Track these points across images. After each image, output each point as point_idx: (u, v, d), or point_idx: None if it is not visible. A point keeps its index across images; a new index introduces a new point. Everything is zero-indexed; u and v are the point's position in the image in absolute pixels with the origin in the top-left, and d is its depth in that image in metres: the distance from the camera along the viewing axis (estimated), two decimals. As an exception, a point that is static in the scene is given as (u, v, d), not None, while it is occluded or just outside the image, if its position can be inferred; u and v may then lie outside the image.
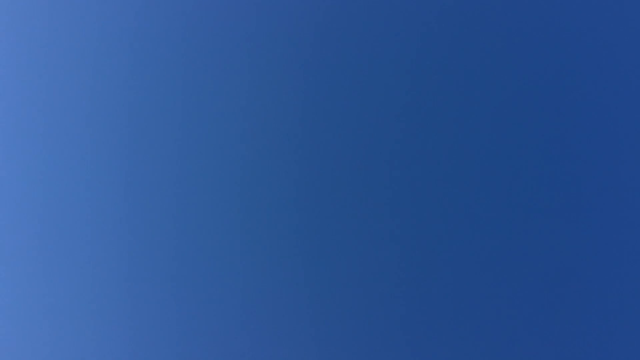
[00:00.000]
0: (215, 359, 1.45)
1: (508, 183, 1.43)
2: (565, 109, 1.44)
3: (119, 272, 1.47)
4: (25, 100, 1.51)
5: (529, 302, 1.41)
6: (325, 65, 1.47)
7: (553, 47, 1.45)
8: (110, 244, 1.47)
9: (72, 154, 1.49)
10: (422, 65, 1.46)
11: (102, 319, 1.47)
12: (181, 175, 1.47)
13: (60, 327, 1.47)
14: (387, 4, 1.47)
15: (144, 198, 1.48)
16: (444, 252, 1.43)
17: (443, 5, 1.46)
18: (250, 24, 1.49)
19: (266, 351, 1.44)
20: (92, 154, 1.49)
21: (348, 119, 1.46)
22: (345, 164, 1.46)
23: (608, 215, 1.41)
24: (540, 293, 1.41)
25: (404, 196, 1.44)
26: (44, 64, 1.51)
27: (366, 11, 1.47)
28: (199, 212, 1.47)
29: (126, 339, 1.46)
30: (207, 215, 1.47)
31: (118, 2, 1.50)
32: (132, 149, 1.48)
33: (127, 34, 1.50)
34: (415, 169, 1.45)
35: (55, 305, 1.47)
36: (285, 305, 1.45)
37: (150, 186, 1.48)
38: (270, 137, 1.47)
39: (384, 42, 1.47)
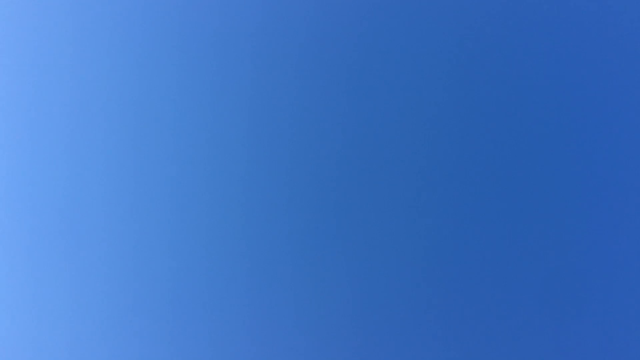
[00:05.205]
0: (215, 359, 1.45)
1: (509, 184, 1.43)
2: (566, 110, 1.44)
3: (119, 273, 1.47)
4: (24, 100, 1.51)
5: (530, 303, 1.41)
6: (325, 65, 1.47)
7: (553, 47, 1.45)
8: (110, 244, 1.47)
9: (73, 154, 1.49)
10: (424, 65, 1.46)
11: (101, 320, 1.47)
12: (181, 175, 1.47)
13: (60, 328, 1.47)
14: (388, 3, 1.47)
15: (144, 198, 1.48)
16: (445, 253, 1.43)
17: (443, 5, 1.46)
18: (250, 24, 1.49)
19: (266, 352, 1.44)
20: (92, 155, 1.49)
21: (349, 120, 1.46)
22: (346, 165, 1.46)
23: (608, 215, 1.42)
24: (541, 293, 1.41)
25: (405, 197, 1.44)
26: (44, 63, 1.51)
27: (366, 11, 1.47)
28: (199, 213, 1.47)
29: (125, 340, 1.46)
30: (207, 216, 1.47)
31: (118, 2, 1.50)
32: (131, 150, 1.48)
33: (127, 34, 1.50)
34: (416, 170, 1.45)
35: (54, 306, 1.47)
36: (286, 306, 1.45)
37: (150, 187, 1.48)
38: (271, 137, 1.47)
39: (385, 42, 1.47)
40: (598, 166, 1.42)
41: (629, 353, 1.39)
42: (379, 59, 1.47)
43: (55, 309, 1.47)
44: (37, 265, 1.48)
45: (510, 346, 1.41)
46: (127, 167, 1.48)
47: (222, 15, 1.49)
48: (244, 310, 1.45)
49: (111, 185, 1.48)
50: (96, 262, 1.47)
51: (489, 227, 1.43)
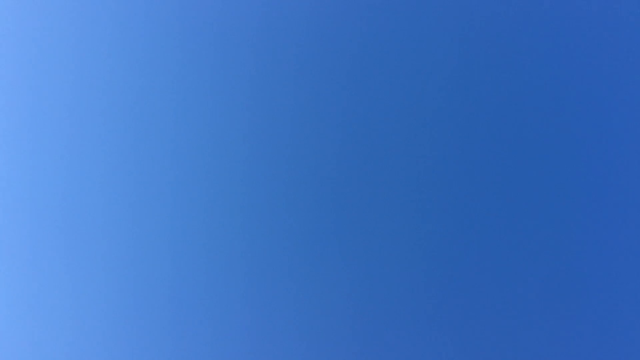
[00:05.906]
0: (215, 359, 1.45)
1: (509, 184, 1.43)
2: (565, 110, 1.44)
3: (118, 273, 1.47)
4: (24, 100, 1.51)
5: (530, 304, 1.42)
6: (325, 65, 1.47)
7: (553, 48, 1.45)
8: (109, 244, 1.47)
9: (73, 153, 1.49)
10: (424, 65, 1.46)
11: (101, 320, 1.47)
12: (181, 175, 1.47)
13: (60, 328, 1.47)
14: (388, 3, 1.47)
15: (143, 198, 1.48)
16: (445, 253, 1.43)
17: (443, 6, 1.46)
18: (250, 24, 1.49)
19: (266, 351, 1.44)
20: (91, 154, 1.49)
21: (349, 120, 1.47)
22: (346, 165, 1.46)
23: (608, 215, 1.42)
24: (541, 294, 1.41)
25: (405, 197, 1.44)
26: (44, 63, 1.51)
27: (366, 11, 1.47)
28: (198, 213, 1.47)
29: (125, 340, 1.46)
30: (207, 216, 1.47)
31: (118, 2, 1.50)
32: (130, 149, 1.49)
33: (127, 34, 1.50)
34: (416, 170, 1.45)
35: (54, 306, 1.47)
36: (285, 306, 1.45)
37: (150, 186, 1.48)
38: (271, 137, 1.47)
39: (385, 42, 1.47)
40: (598, 167, 1.42)
41: (629, 353, 1.39)
42: (380, 59, 1.47)
43: (55, 309, 1.47)
44: (37, 265, 1.48)
45: (510, 346, 1.41)
46: (127, 167, 1.48)
47: (222, 14, 1.49)
48: (243, 310, 1.45)
49: (111, 185, 1.48)
50: (96, 262, 1.47)
51: (490, 227, 1.43)
